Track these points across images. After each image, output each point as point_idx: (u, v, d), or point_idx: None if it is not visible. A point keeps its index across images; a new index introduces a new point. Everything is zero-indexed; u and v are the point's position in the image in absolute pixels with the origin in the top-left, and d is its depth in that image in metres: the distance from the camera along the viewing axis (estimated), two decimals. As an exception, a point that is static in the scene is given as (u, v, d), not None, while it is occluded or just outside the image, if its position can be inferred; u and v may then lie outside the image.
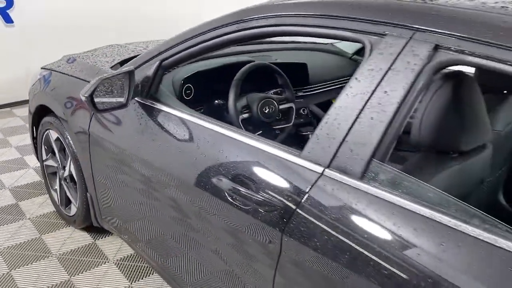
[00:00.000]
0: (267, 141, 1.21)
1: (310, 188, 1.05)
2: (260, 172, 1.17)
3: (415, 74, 0.96)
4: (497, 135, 1.62)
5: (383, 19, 1.04)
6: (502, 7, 0.97)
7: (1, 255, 2.10)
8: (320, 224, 1.01)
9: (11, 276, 1.97)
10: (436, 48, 0.95)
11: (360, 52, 2.57)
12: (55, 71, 2.25)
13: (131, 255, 2.15)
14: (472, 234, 0.81)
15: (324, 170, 1.04)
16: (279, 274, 1.12)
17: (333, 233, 0.98)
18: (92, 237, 2.27)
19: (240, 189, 1.17)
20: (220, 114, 1.82)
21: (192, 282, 1.51)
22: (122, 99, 1.51)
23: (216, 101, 1.87)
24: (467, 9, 0.97)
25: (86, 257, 2.12)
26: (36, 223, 2.38)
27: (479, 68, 0.89)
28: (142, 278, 2.00)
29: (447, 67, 0.96)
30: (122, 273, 2.04)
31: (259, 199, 1.13)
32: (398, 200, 0.92)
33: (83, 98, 1.40)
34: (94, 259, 2.12)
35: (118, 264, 2.10)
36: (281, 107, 1.89)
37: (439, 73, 1.05)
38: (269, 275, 1.15)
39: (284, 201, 1.09)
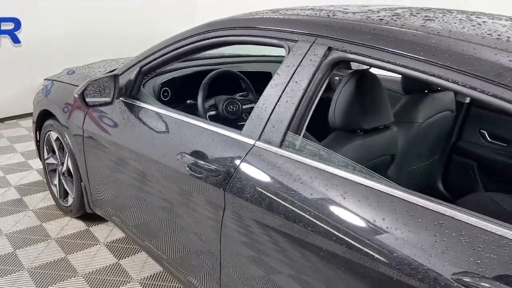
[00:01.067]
0: (218, 124, 1.56)
1: (245, 156, 1.39)
2: (212, 148, 1.51)
3: (315, 68, 1.31)
4: (418, 126, 1.96)
5: (296, 30, 1.40)
6: (381, 19, 1.33)
7: (7, 238, 2.43)
8: (251, 181, 1.34)
9: (15, 254, 2.29)
10: (330, 49, 1.30)
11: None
12: (56, 81, 2.62)
13: (119, 238, 2.47)
14: (359, 182, 1.12)
15: (255, 142, 1.38)
16: (224, 225, 1.45)
17: (260, 186, 1.31)
18: (86, 225, 2.60)
19: (197, 161, 1.51)
20: (191, 112, 2.17)
21: (168, 250, 1.83)
22: (108, 98, 1.86)
23: (188, 101, 2.23)
24: (352, 21, 1.33)
25: (80, 240, 2.45)
26: (38, 213, 2.71)
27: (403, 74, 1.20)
28: (128, 256, 2.32)
29: (337, 62, 1.30)
30: (111, 252, 2.36)
31: (210, 168, 1.47)
32: (305, 160, 1.26)
33: (76, 96, 1.76)
34: (87, 241, 2.44)
35: (108, 245, 2.42)
36: (244, 107, 2.25)
37: (351, 71, 1.41)
38: (218, 227, 1.47)
39: (227, 167, 1.42)
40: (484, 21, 1.32)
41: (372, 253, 1.04)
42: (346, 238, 1.09)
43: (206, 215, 1.53)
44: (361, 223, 1.08)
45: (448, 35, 1.15)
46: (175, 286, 2.10)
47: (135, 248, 2.39)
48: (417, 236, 0.99)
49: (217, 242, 1.49)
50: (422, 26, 1.23)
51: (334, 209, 1.14)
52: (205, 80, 2.14)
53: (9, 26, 4.31)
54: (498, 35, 1.15)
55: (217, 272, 1.54)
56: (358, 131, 1.51)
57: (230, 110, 2.17)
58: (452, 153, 2.30)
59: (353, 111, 1.46)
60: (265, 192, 1.29)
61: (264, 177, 1.32)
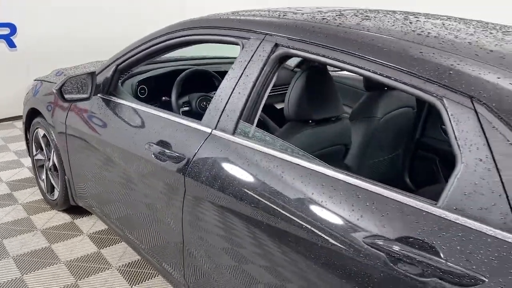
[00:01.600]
0: (182, 116, 1.69)
1: (203, 143, 1.52)
2: (175, 137, 1.64)
3: (264, 62, 1.45)
4: (377, 121, 2.09)
5: (249, 29, 1.54)
6: (324, 19, 1.46)
7: (-5, 229, 2.57)
8: (207, 165, 1.47)
9: (3, 243, 2.42)
10: (276, 45, 1.44)
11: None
12: (44, 81, 2.76)
13: (102, 229, 2.60)
14: (295, 162, 1.25)
15: (212, 130, 1.52)
16: (185, 209, 1.58)
17: (214, 169, 1.44)
18: (71, 217, 2.74)
19: (162, 150, 1.65)
20: (167, 108, 2.31)
21: (142, 237, 1.96)
22: (86, 95, 2.00)
23: (163, 98, 2.37)
24: (298, 20, 1.47)
25: (65, 231, 2.58)
26: (26, 207, 2.84)
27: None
28: (109, 246, 2.45)
29: (283, 57, 1.44)
30: (93, 242, 2.49)
31: (173, 155, 1.60)
32: (253, 145, 1.39)
33: (54, 91, 1.90)
34: (71, 232, 2.58)
35: (91, 236, 2.55)
36: None
37: (303, 67, 1.54)
38: (179, 211, 1.60)
39: (187, 153, 1.56)
40: (417, 20, 1.46)
41: (302, 222, 1.17)
42: (282, 211, 1.22)
43: (170, 200, 1.66)
44: (295, 197, 1.21)
45: (375, 31, 1.29)
46: (152, 273, 2.23)
47: (116, 238, 2.52)
48: (338, 206, 1.12)
49: (179, 226, 1.62)
50: (357, 24, 1.37)
51: (274, 186, 1.27)
52: (179, 78, 2.29)
53: (5, 31, 4.47)
54: (421, 31, 1.28)
55: (181, 255, 1.67)
56: (310, 121, 1.64)
57: (203, 106, 2.31)
58: (417, 148, 2.43)
59: (304, 104, 1.59)
60: (218, 175, 1.43)
61: (218, 162, 1.45)
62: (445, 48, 1.15)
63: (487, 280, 0.87)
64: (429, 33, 1.27)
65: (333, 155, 1.75)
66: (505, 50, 1.16)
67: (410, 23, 1.41)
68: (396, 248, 1.00)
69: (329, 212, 1.13)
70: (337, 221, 1.11)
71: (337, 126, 1.72)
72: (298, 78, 1.61)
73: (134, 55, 1.99)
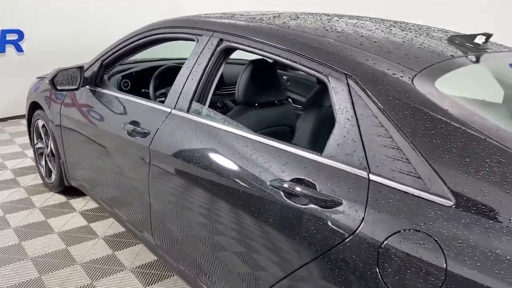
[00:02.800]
0: (150, 100, 2.05)
1: (164, 120, 1.87)
2: (144, 117, 1.99)
3: (211, 54, 1.80)
4: (326, 109, 2.42)
5: (202, 27, 1.89)
6: (261, 19, 1.81)
7: (1, 207, 2.93)
8: (166, 138, 1.82)
9: (5, 218, 2.79)
10: (221, 40, 1.79)
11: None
12: (45, 78, 3.14)
13: (92, 208, 2.96)
14: (229, 131, 1.59)
15: (171, 110, 1.87)
16: (150, 178, 1.92)
17: (172, 142, 1.79)
18: (66, 198, 3.09)
19: (134, 127, 1.99)
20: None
21: (123, 208, 2.31)
22: (75, 86, 2.37)
23: (143, 90, 2.73)
24: (239, 21, 1.81)
25: (60, 209, 2.94)
26: (27, 189, 3.21)
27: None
28: (98, 220, 2.80)
29: (226, 50, 1.78)
30: (84, 218, 2.84)
31: (140, 131, 1.95)
32: (202, 120, 1.73)
33: (47, 81, 2.27)
34: (66, 210, 2.93)
35: (82, 213, 2.90)
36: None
37: (249, 61, 1.90)
38: (146, 180, 1.94)
39: (152, 129, 1.90)
40: (336, 20, 1.81)
41: (235, 174, 1.51)
42: (222, 171, 1.56)
43: (140, 170, 2.01)
44: (228, 158, 1.55)
45: (294, 28, 1.63)
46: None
47: (105, 215, 2.86)
48: (257, 161, 1.46)
49: (147, 191, 1.97)
50: (283, 23, 1.71)
51: (213, 151, 1.62)
52: (155, 73, 2.65)
53: (14, 37, 4.89)
54: (330, 28, 1.62)
55: (149, 218, 2.01)
56: (256, 104, 1.99)
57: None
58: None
59: (250, 90, 1.94)
60: (175, 145, 1.77)
61: (175, 135, 1.79)
62: (340, 39, 1.49)
63: (344, 202, 1.20)
64: (335, 29, 1.61)
65: (279, 135, 2.09)
66: (386, 40, 1.50)
67: (328, 21, 1.75)
68: (288, 186, 1.32)
69: (251, 165, 1.47)
70: (256, 171, 1.45)
71: (279, 109, 2.06)
72: (246, 69, 1.96)
73: (116, 52, 2.36)
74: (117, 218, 2.43)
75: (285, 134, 2.16)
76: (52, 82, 2.27)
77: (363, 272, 1.12)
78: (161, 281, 2.23)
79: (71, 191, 3.06)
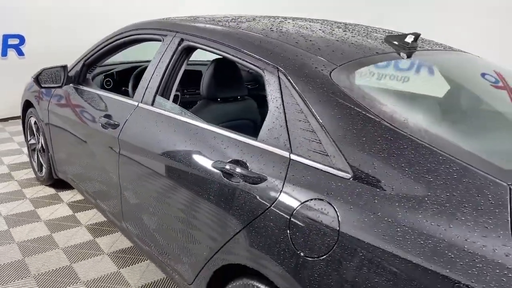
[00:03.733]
0: (123, 96, 2.24)
1: (132, 112, 2.06)
2: (115, 110, 2.19)
3: (173, 52, 1.98)
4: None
5: (167, 28, 2.08)
6: (219, 22, 2.00)
7: (-7, 197, 3.15)
8: (134, 127, 2.01)
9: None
10: (182, 40, 1.98)
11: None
12: (37, 78, 3.36)
13: (79, 199, 3.15)
14: (184, 121, 1.78)
15: (138, 103, 2.06)
16: (120, 162, 2.11)
17: (138, 131, 1.97)
18: (55, 190, 3.30)
19: (107, 120, 2.19)
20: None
21: (100, 196, 2.50)
22: (59, 84, 2.58)
23: (123, 88, 2.94)
24: (199, 23, 2.00)
25: (48, 200, 3.14)
26: (20, 183, 3.43)
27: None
28: (84, 211, 2.99)
29: (186, 48, 1.97)
30: (70, 209, 3.04)
31: (112, 123, 2.14)
32: (164, 112, 1.92)
33: (32, 79, 2.47)
34: (54, 201, 3.13)
35: (69, 204, 3.10)
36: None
37: (213, 59, 2.09)
38: (117, 168, 2.13)
39: (121, 121, 2.09)
40: (288, 22, 1.99)
41: (181, 160, 1.69)
42: (180, 157, 1.75)
43: (111, 158, 2.20)
44: (179, 145, 1.74)
45: (243, 29, 1.81)
46: (115, 231, 2.76)
47: (90, 206, 3.06)
48: (197, 147, 1.64)
49: (117, 177, 2.15)
50: (236, 25, 1.89)
51: (169, 139, 1.80)
52: (135, 72, 2.84)
53: (15, 41, 5.15)
54: (275, 29, 1.80)
55: (119, 201, 2.20)
56: (218, 99, 2.17)
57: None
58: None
59: (212, 85, 2.12)
60: (141, 135, 1.96)
61: (140, 125, 1.98)
62: (280, 38, 1.67)
63: (268, 178, 1.37)
64: (280, 30, 1.79)
65: (242, 128, 2.26)
66: (321, 39, 1.68)
67: (278, 23, 1.94)
68: (226, 166, 1.50)
69: (199, 150, 1.65)
70: (203, 155, 1.63)
71: (241, 104, 2.24)
72: (209, 67, 2.14)
73: (96, 53, 2.56)
74: (99, 208, 2.61)
75: (247, 127, 2.33)
76: (37, 79, 2.48)
77: (278, 235, 1.29)
78: (134, 264, 2.41)
79: (60, 184, 3.26)
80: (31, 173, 3.60)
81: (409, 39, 1.74)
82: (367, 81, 1.51)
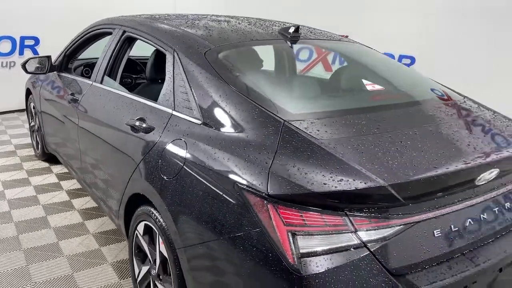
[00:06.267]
0: (86, 78, 2.80)
1: (87, 90, 2.61)
2: (79, 89, 2.74)
3: (117, 41, 2.52)
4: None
5: (116, 23, 2.62)
6: (159, 18, 2.52)
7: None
8: (87, 103, 2.55)
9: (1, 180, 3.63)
10: (124, 32, 2.51)
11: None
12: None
13: (66, 171, 3.74)
14: (116, 92, 2.31)
15: (92, 83, 2.60)
16: (79, 128, 2.65)
17: (90, 103, 2.51)
18: (48, 164, 3.90)
19: (72, 97, 2.74)
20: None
21: (77, 169, 3.06)
22: (44, 71, 3.17)
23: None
24: (140, 18, 2.53)
25: (41, 171, 3.74)
26: (22, 158, 4.05)
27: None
28: (67, 180, 3.57)
29: (127, 38, 2.50)
30: (57, 178, 3.62)
31: (74, 99, 2.69)
32: (109, 88, 2.45)
33: (21, 66, 3.07)
34: (45, 172, 3.73)
35: (58, 175, 3.68)
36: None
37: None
38: (76, 129, 2.67)
39: (79, 97, 2.64)
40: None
41: (109, 121, 2.21)
42: (111, 123, 2.27)
43: (74, 126, 2.74)
44: (110, 110, 2.26)
45: (167, 24, 2.32)
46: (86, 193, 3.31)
47: (74, 181, 3.63)
48: (120, 110, 2.16)
49: (78, 141, 2.70)
50: (164, 20, 2.41)
51: (104, 107, 2.33)
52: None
53: (31, 42, 5.86)
54: (198, 23, 2.30)
55: (79, 160, 2.74)
56: (159, 81, 2.68)
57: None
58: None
59: (153, 69, 2.63)
60: (91, 106, 2.50)
61: (91, 99, 2.52)
62: (186, 29, 2.16)
63: (155, 128, 1.87)
64: (193, 24, 2.29)
65: (156, 96, 2.75)
66: (219, 29, 2.17)
67: (200, 20, 2.43)
68: (132, 122, 2.00)
69: (121, 112, 2.17)
70: (121, 115, 2.14)
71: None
72: (151, 55, 2.66)
73: (73, 45, 3.14)
74: (70, 168, 3.17)
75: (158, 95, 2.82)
76: (24, 66, 3.08)
77: (154, 167, 1.78)
78: (116, 243, 2.74)
79: (54, 160, 3.85)
80: (32, 151, 4.22)
81: (291, 30, 2.20)
82: (231, 58, 1.99)
